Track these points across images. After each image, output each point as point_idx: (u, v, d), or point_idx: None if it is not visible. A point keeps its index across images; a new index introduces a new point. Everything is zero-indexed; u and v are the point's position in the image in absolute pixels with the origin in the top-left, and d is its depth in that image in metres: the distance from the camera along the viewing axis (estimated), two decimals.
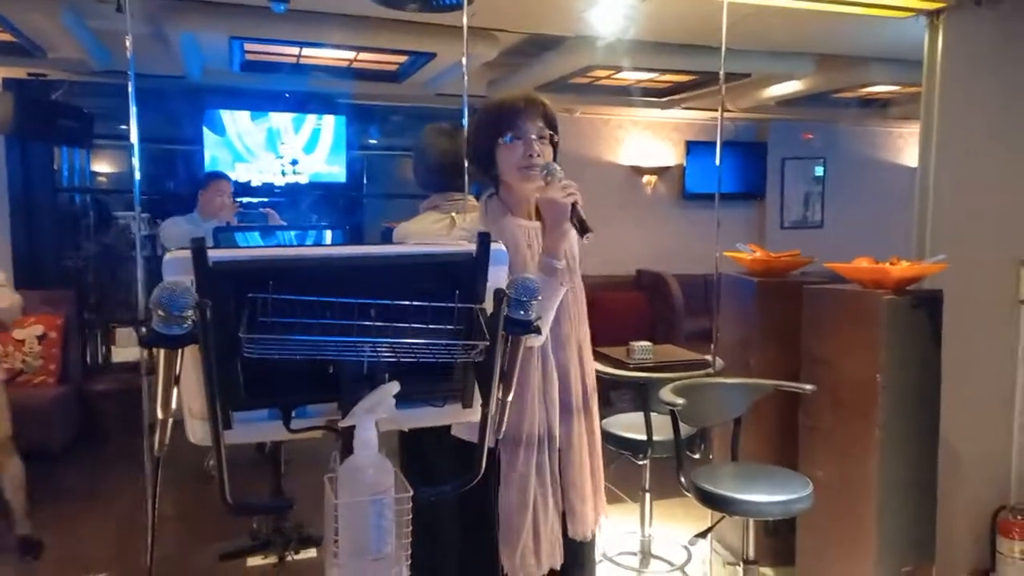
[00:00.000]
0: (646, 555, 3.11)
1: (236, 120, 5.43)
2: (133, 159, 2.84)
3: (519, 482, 1.67)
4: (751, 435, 2.76)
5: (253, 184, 5.46)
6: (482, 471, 1.23)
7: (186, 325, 0.96)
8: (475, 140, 1.78)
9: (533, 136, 1.67)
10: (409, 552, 1.09)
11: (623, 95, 5.57)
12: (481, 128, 1.74)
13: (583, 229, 1.57)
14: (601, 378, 2.89)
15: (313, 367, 1.08)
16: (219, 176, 4.34)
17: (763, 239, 6.74)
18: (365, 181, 6.53)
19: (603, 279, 6.33)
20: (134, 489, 3.24)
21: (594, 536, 1.83)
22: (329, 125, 5.66)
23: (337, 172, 5.74)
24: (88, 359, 5.25)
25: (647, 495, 3.06)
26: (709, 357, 3.17)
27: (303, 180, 5.62)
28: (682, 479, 2.40)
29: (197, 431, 1.10)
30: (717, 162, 3.72)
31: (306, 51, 4.30)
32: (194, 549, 3.25)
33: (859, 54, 4.46)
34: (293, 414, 1.14)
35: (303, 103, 5.60)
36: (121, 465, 4.12)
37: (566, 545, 1.74)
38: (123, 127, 3.91)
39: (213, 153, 5.37)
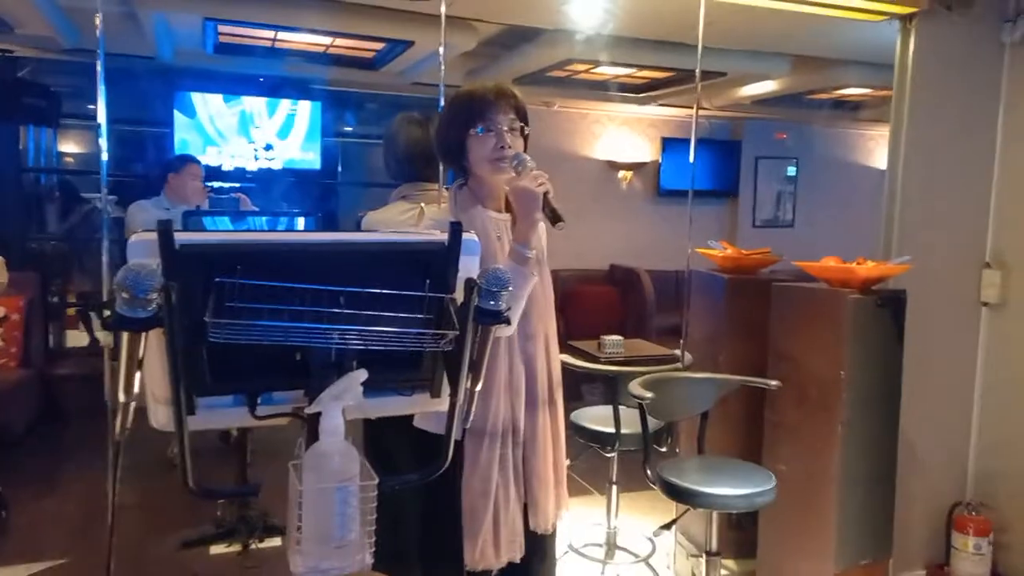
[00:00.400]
0: (611, 547, 3.14)
1: (208, 103, 5.34)
2: (100, 140, 2.78)
3: (482, 473, 1.67)
4: (717, 429, 2.79)
5: (224, 168, 5.38)
6: (449, 461, 1.23)
7: (151, 308, 0.95)
8: (445, 131, 1.75)
9: (504, 128, 1.66)
10: (373, 540, 1.09)
11: (600, 90, 5.58)
12: (452, 119, 1.72)
13: (555, 218, 1.57)
14: (572, 371, 2.91)
15: (280, 353, 1.07)
16: (192, 160, 4.25)
17: (735, 237, 6.82)
18: (340, 168, 6.47)
19: (576, 273, 6.35)
20: (95, 475, 3.19)
21: (555, 529, 1.84)
22: (304, 111, 5.59)
23: (311, 159, 5.67)
24: (51, 342, 5.15)
25: (614, 487, 3.09)
26: (678, 352, 3.20)
27: (276, 166, 5.54)
28: (648, 472, 2.42)
29: (160, 416, 1.09)
30: (691, 159, 3.74)
31: (281, 35, 4.24)
32: (157, 537, 3.21)
33: (833, 56, 4.51)
34: (259, 400, 1.13)
35: (277, 88, 5.51)
36: (83, 451, 4.07)
37: (527, 537, 1.75)
38: (91, 107, 3.83)
39: (183, 136, 5.28)
